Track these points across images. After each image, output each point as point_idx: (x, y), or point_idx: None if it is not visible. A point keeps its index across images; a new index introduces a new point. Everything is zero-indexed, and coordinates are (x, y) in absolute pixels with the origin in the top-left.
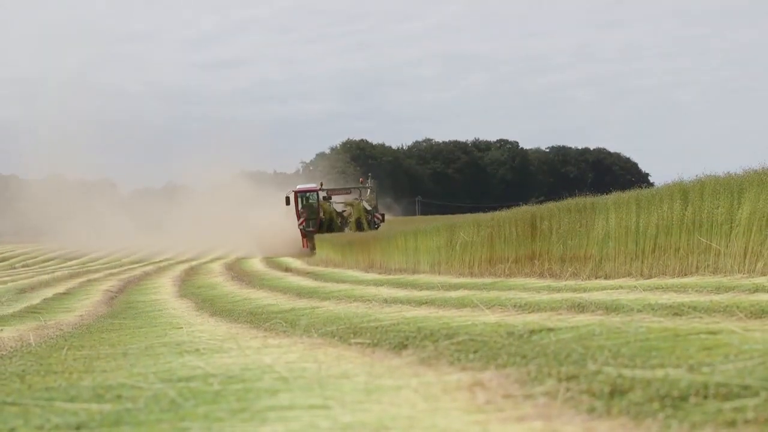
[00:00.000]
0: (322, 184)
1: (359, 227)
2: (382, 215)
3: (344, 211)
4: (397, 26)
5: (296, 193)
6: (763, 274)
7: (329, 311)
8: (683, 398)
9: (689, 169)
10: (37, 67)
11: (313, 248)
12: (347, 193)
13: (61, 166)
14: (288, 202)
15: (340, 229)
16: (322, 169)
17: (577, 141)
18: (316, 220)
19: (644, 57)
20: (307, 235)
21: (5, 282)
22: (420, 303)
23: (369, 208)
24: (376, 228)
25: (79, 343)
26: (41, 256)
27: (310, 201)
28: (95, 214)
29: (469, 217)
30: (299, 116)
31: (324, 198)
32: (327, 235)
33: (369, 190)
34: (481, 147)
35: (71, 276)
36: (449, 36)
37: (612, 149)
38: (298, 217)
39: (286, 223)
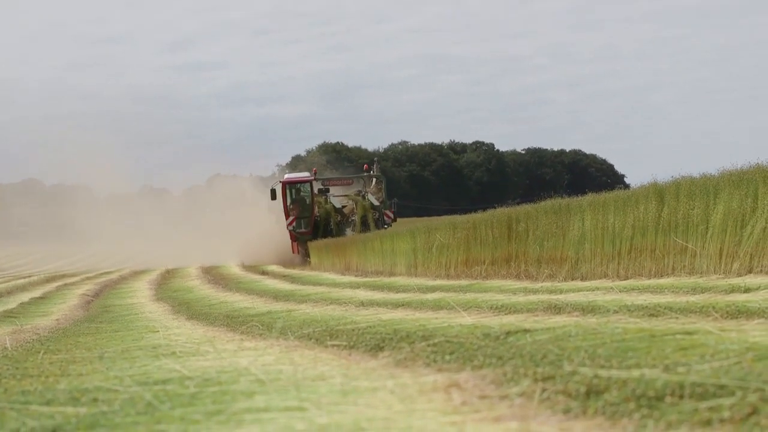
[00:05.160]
0: (315, 173)
1: (365, 227)
2: (394, 213)
3: (344, 206)
4: (375, 28)
5: (284, 184)
6: (739, 274)
7: (306, 314)
8: (659, 398)
9: (665, 170)
10: (14, 70)
11: (306, 254)
12: (348, 184)
13: (37, 169)
14: (274, 196)
15: (340, 231)
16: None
17: (553, 143)
18: (310, 219)
19: (620, 58)
20: (298, 238)
21: None
22: (396, 305)
23: (376, 203)
24: (386, 228)
25: (55, 346)
26: (18, 260)
27: (302, 194)
28: (72, 219)
29: (445, 219)
30: (276, 118)
31: (319, 190)
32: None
33: (375, 180)
34: (456, 149)
35: (48, 280)
36: (427, 38)
37: (588, 151)
38: (287, 216)
39: (271, 223)
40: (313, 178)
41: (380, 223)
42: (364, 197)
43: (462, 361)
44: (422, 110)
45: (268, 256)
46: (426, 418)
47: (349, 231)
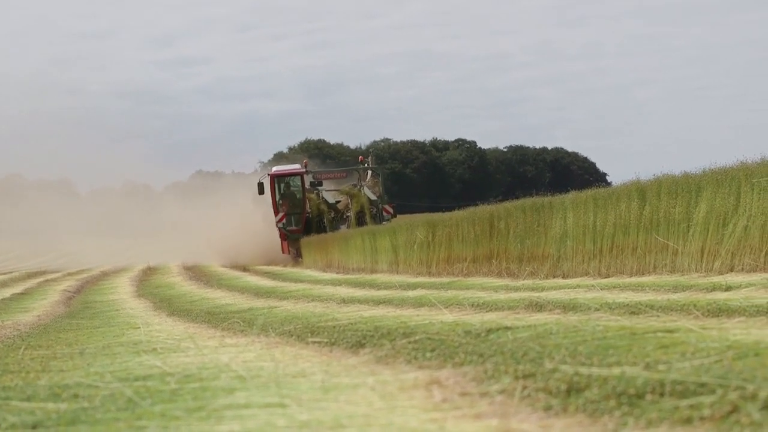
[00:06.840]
0: (307, 165)
1: (361, 223)
2: (393, 208)
3: (338, 201)
4: (359, 24)
5: (273, 177)
6: (720, 273)
7: (287, 310)
8: (640, 396)
9: (647, 168)
10: None
11: (297, 254)
12: (341, 177)
13: (19, 165)
14: (261, 190)
15: (334, 229)
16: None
17: (535, 140)
18: (301, 215)
19: (605, 56)
20: (288, 237)
21: None
22: (378, 302)
23: (373, 197)
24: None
25: (36, 342)
26: None
27: (292, 188)
28: (52, 215)
29: (427, 216)
30: (260, 115)
31: (311, 184)
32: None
33: (370, 173)
34: (438, 147)
35: (29, 276)
36: (411, 34)
37: (570, 149)
38: (276, 212)
39: (257, 220)
40: (304, 170)
41: (378, 219)
42: (360, 190)
43: (443, 359)
44: (405, 107)
45: (254, 257)
46: (406, 414)
47: (343, 228)
